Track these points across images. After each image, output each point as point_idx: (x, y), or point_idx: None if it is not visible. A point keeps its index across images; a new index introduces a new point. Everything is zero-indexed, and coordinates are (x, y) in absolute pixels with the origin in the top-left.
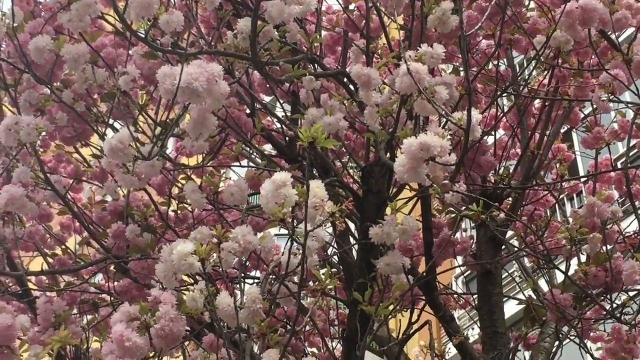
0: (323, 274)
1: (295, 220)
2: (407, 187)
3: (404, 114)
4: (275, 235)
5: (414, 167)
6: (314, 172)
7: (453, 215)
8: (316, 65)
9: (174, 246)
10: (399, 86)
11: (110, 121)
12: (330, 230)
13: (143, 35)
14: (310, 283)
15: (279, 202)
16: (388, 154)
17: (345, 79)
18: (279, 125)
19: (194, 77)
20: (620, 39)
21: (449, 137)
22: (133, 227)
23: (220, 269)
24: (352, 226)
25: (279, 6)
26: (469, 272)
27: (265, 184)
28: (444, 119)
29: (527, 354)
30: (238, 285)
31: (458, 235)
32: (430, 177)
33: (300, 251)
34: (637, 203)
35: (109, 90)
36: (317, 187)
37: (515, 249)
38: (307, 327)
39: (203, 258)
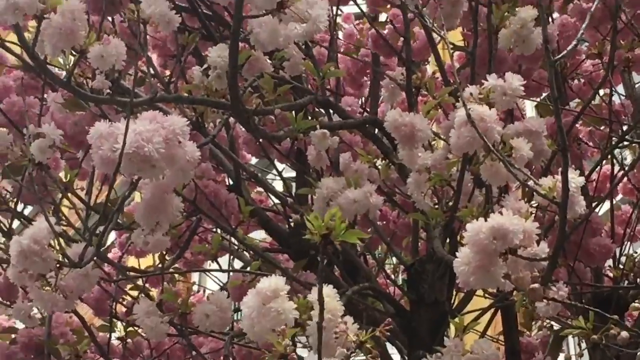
0: None
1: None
2: (478, 292)
3: (468, 181)
4: None
5: (484, 265)
6: (334, 273)
7: (552, 331)
8: (331, 110)
9: None
10: (456, 142)
11: (19, 206)
12: None
13: (64, 78)
14: None
15: (271, 323)
16: (447, 244)
17: (376, 130)
18: (277, 201)
19: (146, 137)
20: None
21: (537, 211)
22: None
23: None
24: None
25: (271, 25)
26: None
27: (247, 297)
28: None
29: None
30: None
31: None
32: (512, 279)
33: None
34: None
35: (14, 160)
36: (327, 297)
37: None
38: None
39: None
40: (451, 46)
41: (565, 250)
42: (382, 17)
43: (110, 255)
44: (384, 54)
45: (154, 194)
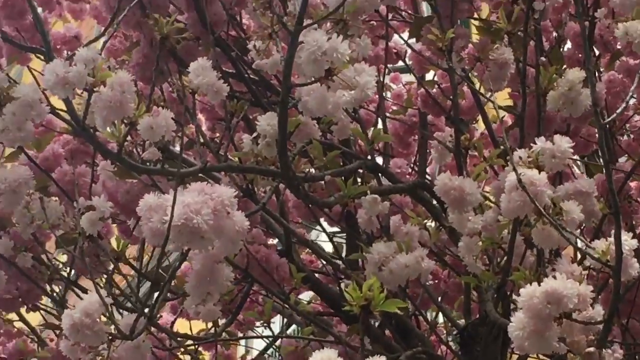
0: None
1: None
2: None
3: (520, 243)
4: None
5: (538, 329)
6: (385, 334)
7: None
8: (381, 174)
9: None
10: (507, 207)
11: (72, 275)
12: None
13: (115, 151)
14: None
15: None
16: (500, 307)
17: (425, 192)
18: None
19: (194, 209)
20: None
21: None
22: None
23: None
24: None
25: (320, 93)
26: None
27: None
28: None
29: None
30: None
31: None
32: (567, 342)
33: None
34: None
35: (67, 231)
36: None
37: None
38: None
39: None
40: (499, 108)
41: (619, 310)
42: (430, 73)
43: (161, 320)
44: (433, 114)
45: (204, 264)
